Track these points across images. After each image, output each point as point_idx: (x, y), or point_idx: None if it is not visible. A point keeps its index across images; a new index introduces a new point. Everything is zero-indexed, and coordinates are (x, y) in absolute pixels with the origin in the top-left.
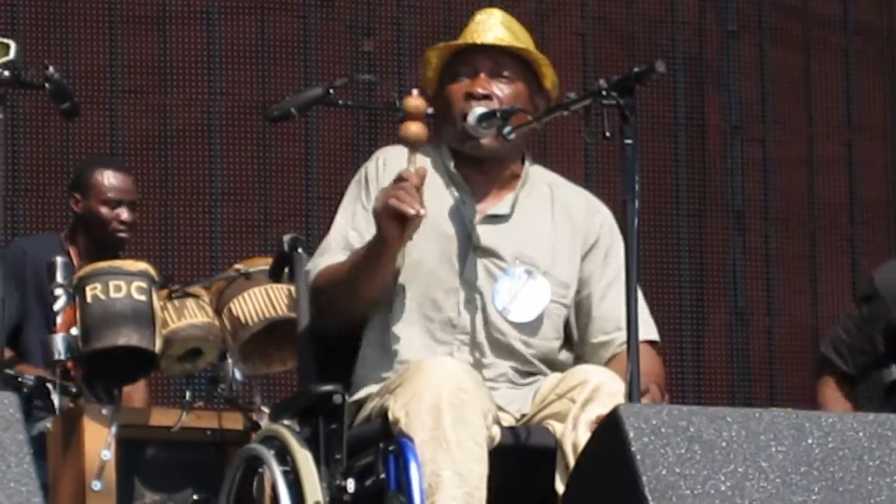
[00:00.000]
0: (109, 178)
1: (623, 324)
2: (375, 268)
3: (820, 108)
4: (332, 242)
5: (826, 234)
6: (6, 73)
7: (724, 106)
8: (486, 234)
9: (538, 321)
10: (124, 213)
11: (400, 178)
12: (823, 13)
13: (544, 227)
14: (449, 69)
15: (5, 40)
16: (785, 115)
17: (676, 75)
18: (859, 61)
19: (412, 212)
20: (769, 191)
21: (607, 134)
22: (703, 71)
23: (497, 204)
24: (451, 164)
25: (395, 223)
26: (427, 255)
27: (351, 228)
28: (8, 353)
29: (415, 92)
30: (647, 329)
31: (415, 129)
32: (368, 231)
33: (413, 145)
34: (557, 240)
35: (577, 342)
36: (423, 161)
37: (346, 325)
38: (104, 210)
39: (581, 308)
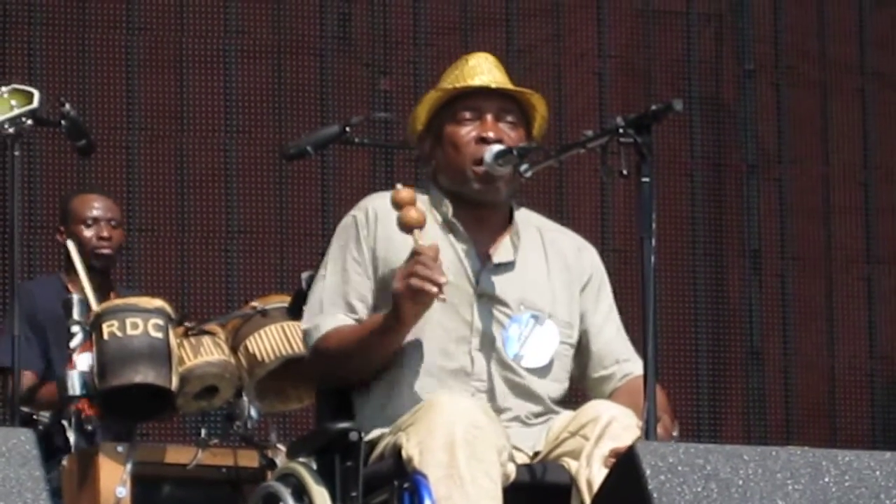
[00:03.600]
0: (87, 201)
1: (621, 357)
2: (390, 344)
3: (836, 149)
4: (328, 301)
5: (842, 274)
6: (29, 121)
7: (741, 145)
8: (490, 282)
9: (549, 364)
10: (104, 230)
11: (415, 254)
12: (840, 55)
13: (541, 272)
14: (447, 110)
15: (29, 89)
16: (801, 155)
17: (693, 114)
18: (875, 103)
19: (435, 290)
20: (785, 230)
21: (624, 172)
22: (720, 110)
23: (497, 250)
24: (450, 212)
25: (415, 304)
26: (434, 306)
27: (348, 287)
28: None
29: (398, 185)
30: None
31: (414, 213)
32: (364, 286)
33: (417, 228)
34: (555, 282)
35: (577, 377)
36: (429, 235)
37: (347, 382)
38: (84, 230)
39: (579, 345)
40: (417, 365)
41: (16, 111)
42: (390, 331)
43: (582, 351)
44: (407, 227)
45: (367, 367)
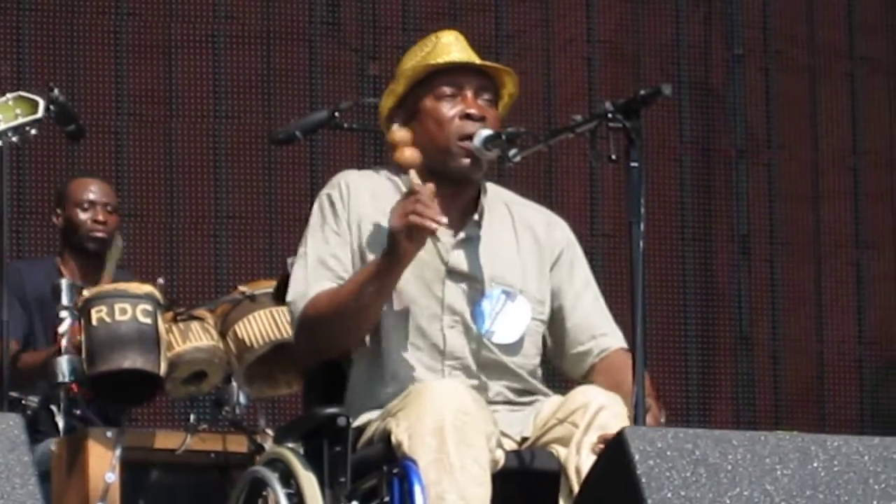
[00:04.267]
0: (83, 185)
1: (597, 331)
2: (386, 287)
3: (825, 134)
4: (313, 273)
5: (831, 258)
6: (33, 131)
7: (730, 130)
8: (460, 258)
9: (520, 340)
10: (99, 214)
11: (411, 192)
12: (828, 40)
13: (511, 247)
14: (423, 86)
15: (34, 97)
16: (790, 140)
17: (682, 99)
18: (864, 88)
19: (435, 226)
20: (774, 215)
21: (613, 156)
22: (709, 95)
23: (465, 226)
24: None
25: (413, 239)
26: (405, 283)
27: (329, 255)
28: (14, 346)
29: (394, 125)
30: (620, 336)
31: (409, 153)
32: (347, 257)
33: (411, 167)
34: (525, 258)
35: (554, 354)
36: (387, 183)
37: (338, 354)
38: (79, 213)
39: (554, 321)
40: (395, 344)
41: (20, 120)
42: (387, 272)
43: (557, 328)
44: (404, 165)
45: (358, 325)
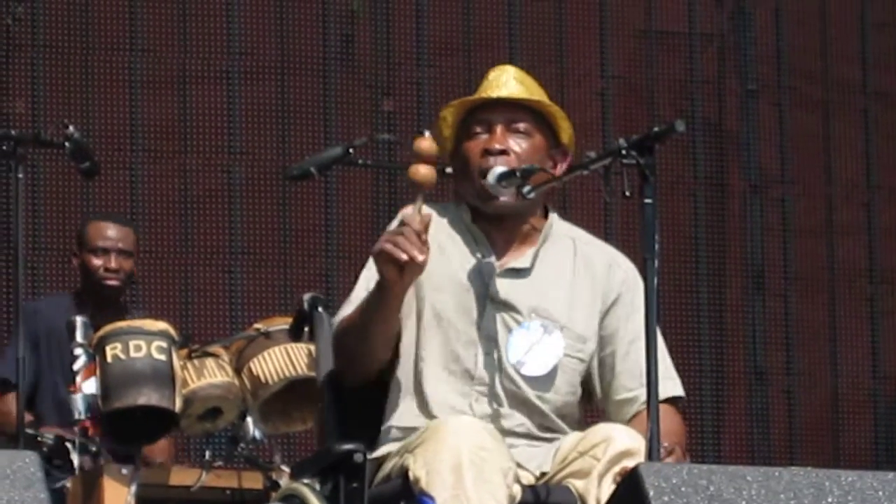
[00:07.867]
0: (99, 229)
1: (645, 379)
2: (381, 310)
3: (839, 169)
4: (353, 296)
5: (845, 294)
6: None
7: (744, 166)
8: (504, 288)
9: (551, 375)
10: (112, 261)
11: (403, 223)
12: (842, 75)
13: (563, 281)
14: (464, 126)
15: None
16: (804, 176)
17: (695, 134)
18: (878, 123)
19: (404, 257)
20: (788, 251)
21: (627, 193)
22: (722, 130)
23: (518, 258)
24: (469, 218)
25: (391, 267)
26: (445, 308)
27: (374, 282)
28: (28, 418)
29: (427, 133)
30: (673, 384)
31: (423, 171)
32: None
33: (421, 187)
34: (576, 294)
35: (601, 398)
36: (453, 239)
37: (362, 375)
38: (93, 259)
39: (605, 365)
40: (432, 365)
41: None
42: (378, 295)
43: (607, 370)
44: (414, 183)
45: (370, 344)
